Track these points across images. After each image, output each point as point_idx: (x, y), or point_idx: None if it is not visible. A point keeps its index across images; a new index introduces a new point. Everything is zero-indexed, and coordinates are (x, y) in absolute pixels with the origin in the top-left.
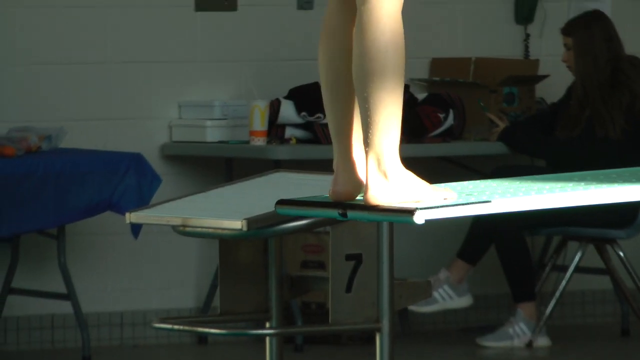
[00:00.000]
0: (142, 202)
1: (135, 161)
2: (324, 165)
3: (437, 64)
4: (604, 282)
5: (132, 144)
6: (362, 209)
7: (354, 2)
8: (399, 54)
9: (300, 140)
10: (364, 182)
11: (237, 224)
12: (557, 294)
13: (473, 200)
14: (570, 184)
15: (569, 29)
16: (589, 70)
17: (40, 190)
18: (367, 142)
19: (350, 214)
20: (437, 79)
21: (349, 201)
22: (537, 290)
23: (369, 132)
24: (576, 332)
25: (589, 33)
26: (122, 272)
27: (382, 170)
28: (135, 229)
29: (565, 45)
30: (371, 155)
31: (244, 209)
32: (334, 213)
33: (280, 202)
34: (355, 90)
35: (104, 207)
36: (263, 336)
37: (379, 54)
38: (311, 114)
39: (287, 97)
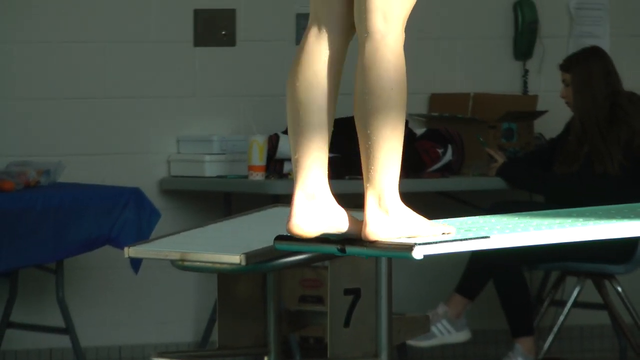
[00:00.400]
0: (141, 236)
1: (134, 196)
2: None
3: (436, 100)
4: (602, 318)
5: (131, 178)
6: (361, 245)
7: (334, 34)
8: (402, 91)
9: None
10: (325, 218)
11: (236, 259)
12: (555, 329)
13: (471, 235)
14: (569, 220)
15: (567, 65)
16: (587, 106)
17: (39, 225)
18: (367, 178)
19: (349, 249)
20: (435, 114)
21: (312, 236)
22: (536, 325)
23: (370, 168)
24: None
25: (587, 69)
26: (121, 306)
27: (383, 207)
28: (136, 264)
29: (563, 81)
30: (371, 191)
31: (242, 243)
32: (332, 249)
33: (279, 238)
34: (357, 127)
35: (103, 241)
36: None
37: (383, 92)
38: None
39: (285, 132)
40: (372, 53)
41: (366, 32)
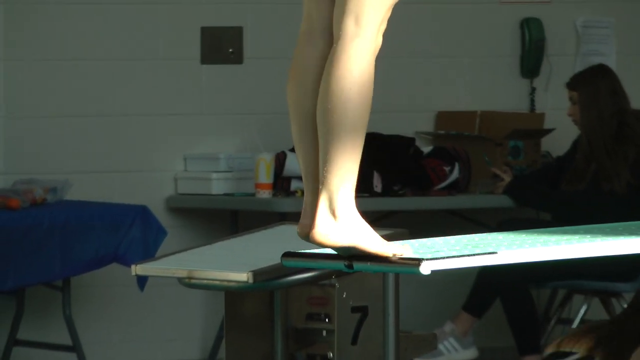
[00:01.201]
0: (148, 254)
1: (141, 214)
2: None
3: (442, 117)
4: None
5: (138, 196)
6: (368, 260)
7: (325, 36)
8: (363, 94)
9: None
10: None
11: (243, 276)
12: None
13: (479, 251)
14: (576, 237)
15: (574, 83)
16: (594, 124)
17: (46, 243)
18: (321, 180)
19: (356, 265)
20: (442, 132)
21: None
22: (543, 343)
23: (324, 169)
24: None
25: (594, 87)
26: (128, 324)
27: (332, 209)
28: (142, 281)
29: (570, 99)
30: (323, 193)
31: (249, 261)
32: (339, 265)
33: (286, 255)
34: (317, 126)
35: (110, 259)
36: None
37: (342, 92)
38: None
39: (292, 150)
40: (339, 53)
41: (338, 33)
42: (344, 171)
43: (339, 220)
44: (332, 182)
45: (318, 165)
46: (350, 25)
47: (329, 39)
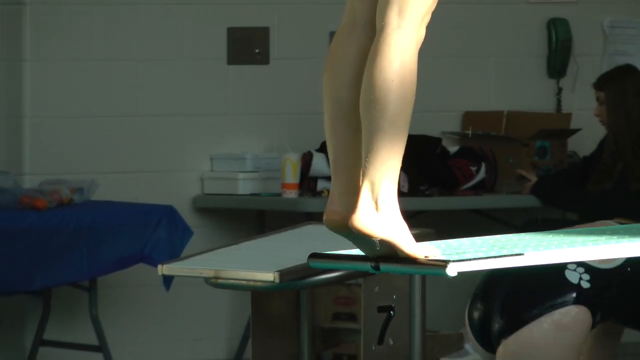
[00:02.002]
0: (174, 254)
1: (167, 214)
2: None
3: (469, 118)
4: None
5: (164, 196)
6: (395, 262)
7: (367, 30)
8: (405, 85)
9: None
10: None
11: (270, 276)
12: None
13: (506, 252)
14: (603, 237)
15: (601, 84)
16: (620, 123)
17: (72, 243)
18: (364, 172)
19: (383, 266)
20: (469, 132)
21: (343, 224)
22: None
23: (366, 161)
24: None
25: (622, 87)
26: (154, 323)
27: (375, 200)
28: (167, 281)
29: (597, 99)
30: (366, 183)
31: (276, 261)
32: (366, 266)
33: (313, 256)
34: (361, 119)
35: (136, 259)
36: None
37: (384, 83)
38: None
39: (319, 150)
40: (381, 44)
41: (381, 24)
42: (387, 164)
43: (381, 212)
44: (375, 174)
45: (350, 156)
46: (393, 17)
47: (370, 32)
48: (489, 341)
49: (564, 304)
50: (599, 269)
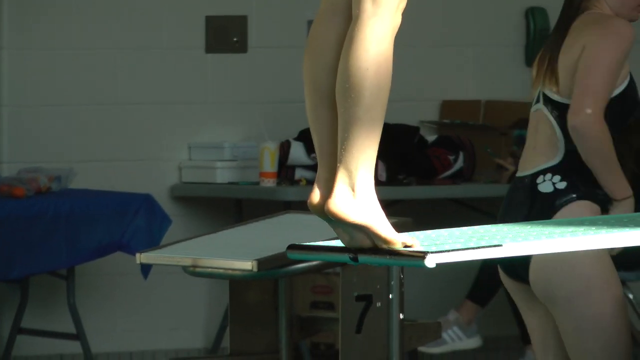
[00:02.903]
0: (152, 243)
1: (145, 202)
2: None
3: (447, 107)
4: None
5: (142, 185)
6: (373, 253)
7: (347, 16)
8: (381, 74)
9: (310, 182)
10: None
11: (248, 265)
12: None
13: (484, 244)
14: (581, 228)
15: None
16: None
17: (50, 232)
18: (340, 159)
19: (361, 258)
20: (447, 121)
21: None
22: None
23: (342, 148)
24: None
25: None
26: (132, 312)
27: (352, 185)
28: (145, 269)
29: None
30: (342, 169)
31: (254, 250)
32: (344, 257)
33: (291, 247)
34: (337, 107)
35: (114, 247)
36: None
37: (359, 71)
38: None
39: (297, 139)
40: (356, 32)
41: (357, 12)
42: (363, 152)
43: (357, 197)
44: (351, 161)
45: (333, 142)
46: (367, 4)
47: (349, 18)
48: (516, 270)
49: (571, 200)
50: None
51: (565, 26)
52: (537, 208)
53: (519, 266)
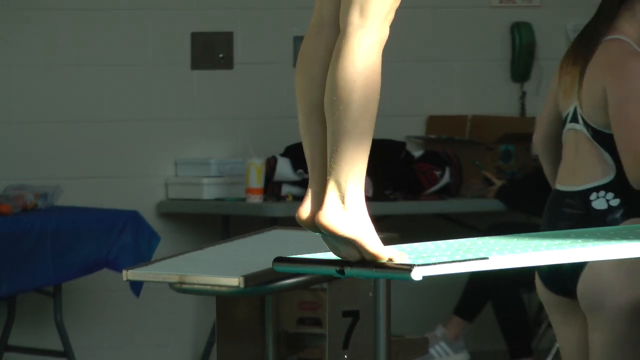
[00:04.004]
0: (140, 259)
1: (132, 219)
2: None
3: (433, 122)
4: None
5: (129, 201)
6: (359, 266)
7: (335, 28)
8: (369, 86)
9: (296, 198)
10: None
11: (235, 281)
12: (554, 350)
13: (470, 256)
14: (568, 241)
15: None
16: None
17: (37, 249)
18: (329, 172)
19: (348, 271)
20: (433, 136)
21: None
22: (534, 347)
23: (331, 161)
24: None
25: None
26: (119, 329)
27: (342, 198)
28: (137, 287)
29: None
30: (332, 182)
31: (241, 266)
32: (331, 270)
33: (278, 260)
34: (326, 119)
35: (101, 265)
36: None
37: (346, 84)
38: (308, 171)
39: (283, 155)
40: (344, 44)
41: (344, 25)
42: (352, 165)
43: (348, 210)
44: (341, 175)
45: (324, 156)
46: (354, 17)
47: (338, 31)
48: (560, 283)
49: (624, 217)
50: None
51: (589, 45)
52: (589, 224)
53: (566, 277)
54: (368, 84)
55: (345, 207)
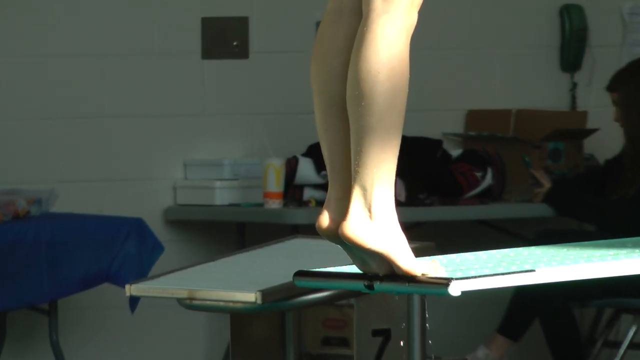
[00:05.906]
0: (144, 273)
1: (136, 227)
2: None
3: (473, 117)
4: None
5: (133, 208)
6: (390, 280)
7: (354, 17)
8: (395, 78)
9: (320, 203)
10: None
11: (251, 297)
12: None
13: (515, 269)
14: (624, 251)
15: (612, 84)
16: (637, 125)
17: (30, 261)
18: (354, 176)
19: (377, 286)
20: (473, 133)
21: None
22: None
23: (356, 164)
24: None
25: (635, 85)
26: (122, 350)
27: (368, 206)
28: (133, 302)
29: (613, 102)
30: (357, 188)
31: (258, 279)
32: (359, 285)
33: (299, 274)
34: (348, 116)
35: (101, 278)
36: None
37: (369, 76)
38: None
39: (305, 155)
40: (366, 32)
41: (367, 10)
42: (379, 167)
43: (375, 221)
44: (366, 179)
45: (345, 156)
46: (377, 1)
47: (359, 17)
48: None
49: None
50: None
51: None
52: None
53: None
54: (394, 76)
55: (372, 216)
